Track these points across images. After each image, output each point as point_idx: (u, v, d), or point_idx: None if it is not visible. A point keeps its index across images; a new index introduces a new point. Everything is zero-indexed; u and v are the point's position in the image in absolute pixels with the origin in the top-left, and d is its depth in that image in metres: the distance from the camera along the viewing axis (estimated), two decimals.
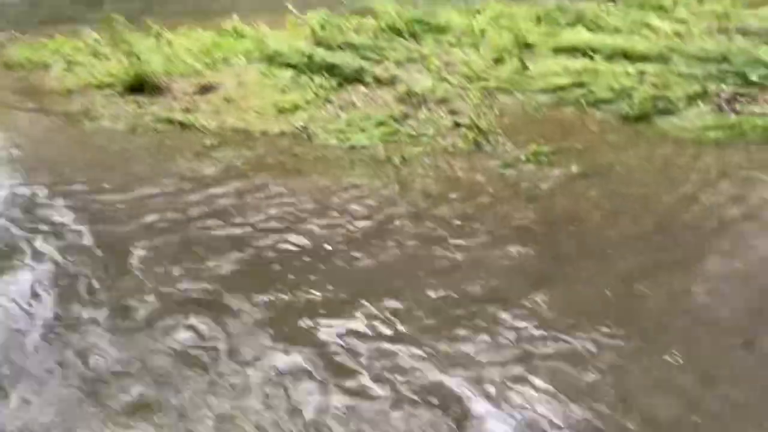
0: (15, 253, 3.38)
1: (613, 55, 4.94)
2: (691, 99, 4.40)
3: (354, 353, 2.59)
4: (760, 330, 2.59)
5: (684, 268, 3.00)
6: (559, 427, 2.20)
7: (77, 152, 4.72)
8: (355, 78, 5.28)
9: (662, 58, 4.85)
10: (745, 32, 5.13)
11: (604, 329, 2.65)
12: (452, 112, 4.74)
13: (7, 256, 3.35)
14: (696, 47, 4.91)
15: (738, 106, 4.29)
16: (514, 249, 3.25)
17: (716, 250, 3.11)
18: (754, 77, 4.48)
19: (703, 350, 2.50)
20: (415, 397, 2.37)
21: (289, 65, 5.48)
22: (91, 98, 5.52)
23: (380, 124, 4.71)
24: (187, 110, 5.12)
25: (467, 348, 2.59)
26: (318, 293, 3.01)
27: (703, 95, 4.43)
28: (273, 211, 3.75)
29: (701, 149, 3.96)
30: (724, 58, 4.73)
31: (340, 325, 2.77)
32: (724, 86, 4.47)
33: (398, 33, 5.94)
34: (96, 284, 3.11)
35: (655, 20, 5.43)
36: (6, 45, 7.15)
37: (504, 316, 2.79)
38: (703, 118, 4.21)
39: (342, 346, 2.64)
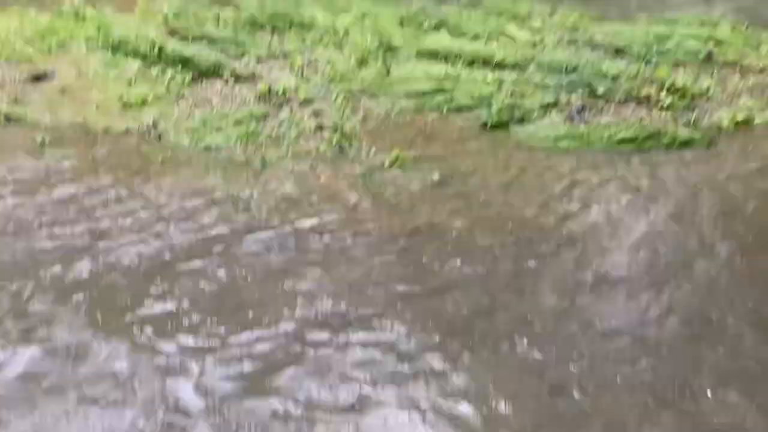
0: None
1: (473, 62, 5.01)
2: (545, 108, 4.57)
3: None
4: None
5: (539, 276, 3.08)
6: None
7: None
8: (212, 72, 4.94)
9: (519, 67, 5.00)
10: (592, 45, 5.42)
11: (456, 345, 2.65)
12: (315, 114, 4.57)
13: None
14: (549, 58, 5.11)
15: (586, 117, 4.51)
16: (377, 260, 3.17)
17: (571, 258, 3.21)
18: (600, 90, 4.74)
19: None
20: None
21: (137, 54, 5.00)
22: None
23: (238, 123, 4.43)
24: (14, 101, 4.52)
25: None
26: (165, 310, 2.76)
27: (555, 105, 4.61)
28: (115, 219, 3.39)
29: (553, 158, 4.10)
30: (575, 70, 4.96)
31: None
32: (574, 97, 4.68)
33: (260, 27, 5.65)
34: None
35: (512, 29, 5.60)
36: None
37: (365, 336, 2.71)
38: (556, 128, 4.38)
39: None
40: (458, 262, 3.14)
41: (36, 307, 2.77)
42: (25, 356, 2.51)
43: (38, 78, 4.74)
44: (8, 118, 4.30)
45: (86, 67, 4.86)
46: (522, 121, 4.45)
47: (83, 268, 3.01)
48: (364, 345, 2.64)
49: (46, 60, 4.95)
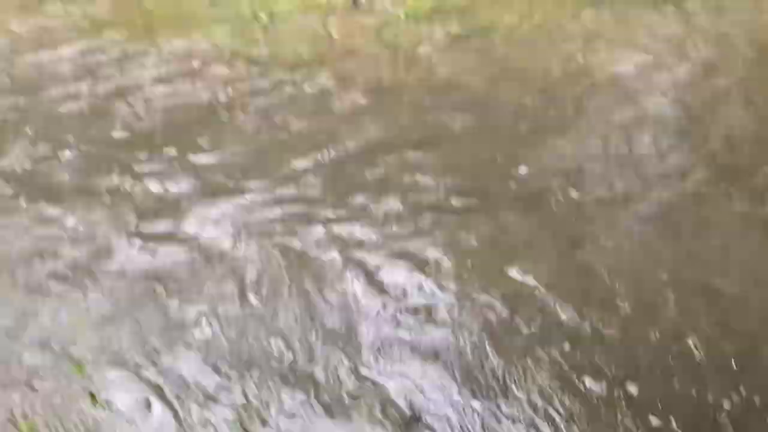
0: None
1: None
2: None
3: None
4: (630, 182, 2.65)
5: (563, 132, 2.99)
6: None
7: None
8: None
9: None
10: None
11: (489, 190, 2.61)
12: None
13: None
14: None
15: None
16: (390, 113, 3.08)
17: (595, 113, 3.10)
18: None
19: (572, 211, 2.53)
20: None
21: None
22: None
23: None
24: None
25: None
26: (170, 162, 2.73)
27: None
28: (120, 77, 3.28)
29: (579, 6, 3.86)
30: None
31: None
32: None
33: None
34: None
35: None
36: None
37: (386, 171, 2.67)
38: None
39: None
40: (477, 117, 3.04)
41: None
42: None
43: None
44: None
45: None
46: None
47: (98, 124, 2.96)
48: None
49: None
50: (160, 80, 3.26)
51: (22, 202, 2.52)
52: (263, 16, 3.82)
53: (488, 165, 2.76)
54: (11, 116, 3.01)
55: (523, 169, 2.71)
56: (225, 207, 2.49)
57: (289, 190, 2.59)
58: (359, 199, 2.55)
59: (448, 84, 3.28)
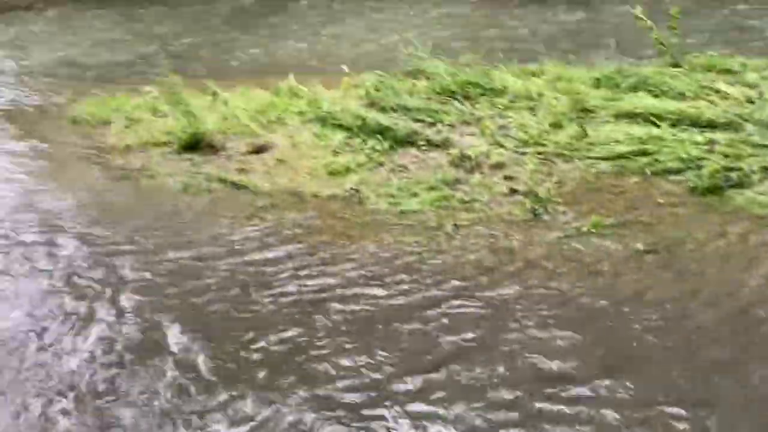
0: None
1: (678, 122, 4.71)
2: (767, 170, 4.12)
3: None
4: None
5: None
6: None
7: (132, 209, 4.76)
8: (408, 141, 5.19)
9: (733, 126, 4.59)
10: None
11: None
12: (507, 178, 4.57)
13: None
14: None
15: None
16: (575, 332, 3.02)
17: None
18: None
19: None
20: None
21: (342, 126, 5.44)
22: (148, 155, 5.61)
23: (432, 188, 4.57)
24: (240, 170, 5.13)
25: None
26: (363, 370, 2.87)
27: None
28: (321, 279, 3.64)
29: None
30: None
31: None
32: None
33: (451, 95, 5.85)
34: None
35: (723, 85, 5.19)
36: (75, 100, 7.41)
37: (568, 405, 2.57)
38: None
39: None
40: (669, 339, 2.89)
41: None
42: None
43: (260, 149, 5.36)
44: (235, 185, 4.89)
45: (299, 139, 5.39)
46: (739, 185, 4.05)
47: (294, 322, 3.26)
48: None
49: (266, 133, 5.59)
50: (350, 283, 3.57)
51: None
52: (447, 225, 4.10)
53: (683, 394, 2.57)
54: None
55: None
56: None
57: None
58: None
59: (634, 301, 3.20)
